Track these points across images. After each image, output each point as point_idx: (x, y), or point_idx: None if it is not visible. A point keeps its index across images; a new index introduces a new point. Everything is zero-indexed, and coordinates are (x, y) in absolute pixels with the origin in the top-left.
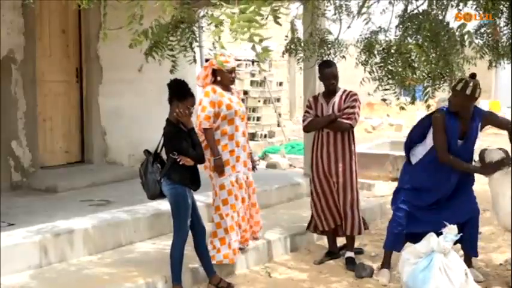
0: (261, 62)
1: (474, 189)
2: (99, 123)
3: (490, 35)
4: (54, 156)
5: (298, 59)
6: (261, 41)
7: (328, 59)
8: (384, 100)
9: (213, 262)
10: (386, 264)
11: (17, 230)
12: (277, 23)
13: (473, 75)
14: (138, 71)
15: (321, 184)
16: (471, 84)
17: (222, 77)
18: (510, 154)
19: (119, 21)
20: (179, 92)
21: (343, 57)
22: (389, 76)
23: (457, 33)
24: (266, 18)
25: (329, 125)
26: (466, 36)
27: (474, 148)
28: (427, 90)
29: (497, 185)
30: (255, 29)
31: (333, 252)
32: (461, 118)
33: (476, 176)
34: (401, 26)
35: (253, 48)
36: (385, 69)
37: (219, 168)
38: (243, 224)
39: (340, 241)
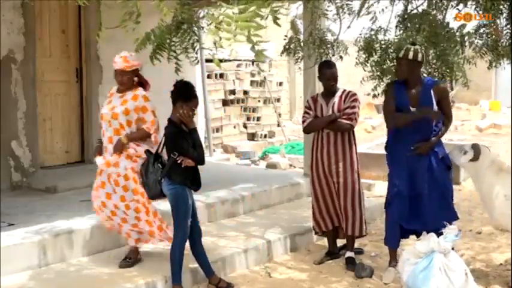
0: (260, 62)
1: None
2: (99, 123)
3: (489, 35)
4: (54, 156)
5: (296, 59)
6: (258, 42)
7: (328, 59)
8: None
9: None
10: (392, 261)
11: (17, 230)
12: (277, 23)
13: (413, 43)
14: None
15: (320, 184)
16: (412, 49)
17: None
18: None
19: (116, 20)
20: (185, 93)
21: (341, 57)
22: (389, 75)
23: (457, 34)
24: (266, 18)
25: (329, 126)
26: (466, 37)
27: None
28: None
29: (488, 187)
30: (254, 30)
31: (333, 252)
32: (411, 86)
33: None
34: (401, 26)
35: (252, 48)
36: (383, 68)
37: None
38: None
39: (341, 241)
